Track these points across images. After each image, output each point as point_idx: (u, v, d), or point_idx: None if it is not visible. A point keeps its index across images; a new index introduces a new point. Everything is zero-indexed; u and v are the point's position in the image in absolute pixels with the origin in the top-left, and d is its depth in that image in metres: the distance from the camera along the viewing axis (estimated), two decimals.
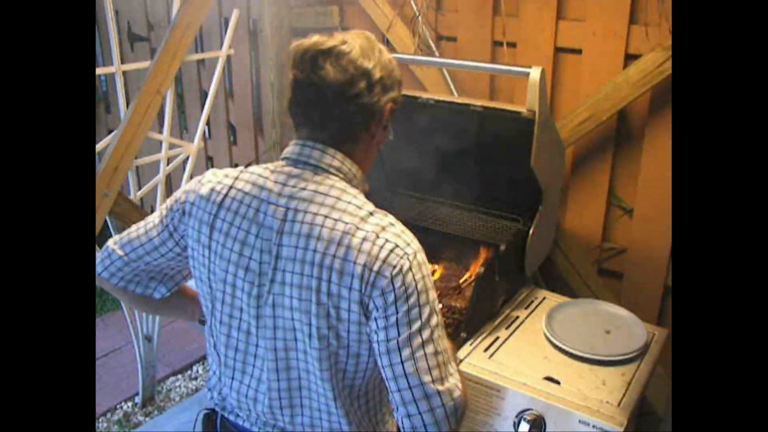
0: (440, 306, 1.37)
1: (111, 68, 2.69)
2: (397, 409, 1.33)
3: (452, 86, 2.64)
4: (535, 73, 1.94)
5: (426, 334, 1.30)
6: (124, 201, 2.73)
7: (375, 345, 1.32)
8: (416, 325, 1.29)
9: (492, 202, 2.28)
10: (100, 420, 3.13)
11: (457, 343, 1.93)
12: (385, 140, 1.47)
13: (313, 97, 1.33)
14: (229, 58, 3.25)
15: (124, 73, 2.71)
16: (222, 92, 3.63)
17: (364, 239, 1.28)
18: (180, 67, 2.77)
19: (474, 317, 2.00)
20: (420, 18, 2.61)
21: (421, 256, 1.33)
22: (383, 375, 1.33)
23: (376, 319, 1.30)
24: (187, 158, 2.99)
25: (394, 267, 1.27)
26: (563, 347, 1.92)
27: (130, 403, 3.25)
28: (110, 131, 3.55)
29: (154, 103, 2.68)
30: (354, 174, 1.40)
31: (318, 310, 1.31)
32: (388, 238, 1.29)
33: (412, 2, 2.63)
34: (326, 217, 1.31)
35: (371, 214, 1.33)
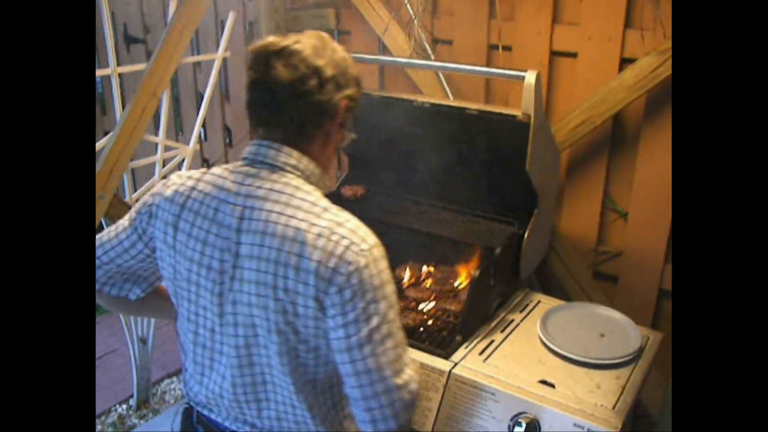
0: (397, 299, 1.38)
1: (107, 70, 2.69)
2: (357, 403, 1.35)
3: (448, 89, 2.65)
4: (530, 77, 1.95)
5: (385, 329, 1.31)
6: (119, 203, 2.72)
7: (334, 342, 1.34)
8: (375, 321, 1.30)
9: (487, 205, 2.28)
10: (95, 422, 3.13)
11: (453, 346, 1.93)
12: (347, 138, 1.50)
13: (266, 97, 1.37)
14: (225, 60, 3.25)
15: (120, 75, 2.71)
16: (218, 95, 3.63)
17: (318, 235, 1.30)
18: (176, 69, 2.77)
19: (469, 320, 2.00)
20: (416, 21, 2.62)
21: (378, 251, 1.34)
22: (342, 371, 1.35)
23: (334, 316, 1.31)
24: (183, 160, 2.98)
25: (351, 264, 1.29)
26: (558, 350, 1.92)
27: (124, 406, 3.24)
28: (106, 133, 3.55)
29: (150, 105, 2.68)
30: (311, 171, 1.42)
31: (275, 305, 1.33)
32: (343, 234, 1.31)
33: (408, 5, 2.63)
34: (280, 214, 1.33)
35: (326, 210, 1.35)
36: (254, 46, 1.38)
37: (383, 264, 1.34)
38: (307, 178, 1.41)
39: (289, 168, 1.39)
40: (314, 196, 1.37)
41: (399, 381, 1.33)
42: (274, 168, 1.39)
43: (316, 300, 1.30)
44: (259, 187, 1.37)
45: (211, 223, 1.38)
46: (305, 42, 1.36)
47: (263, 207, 1.35)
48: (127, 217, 1.55)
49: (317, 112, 1.39)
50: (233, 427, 1.52)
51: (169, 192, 1.45)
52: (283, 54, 1.34)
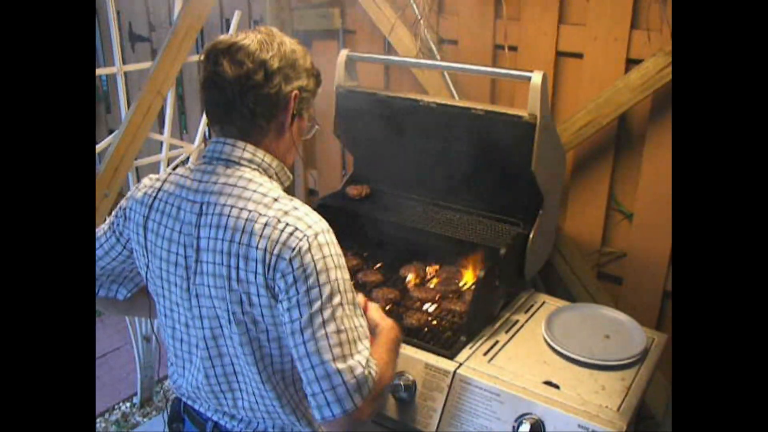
0: (351, 283, 1.39)
1: (112, 69, 2.69)
2: (304, 388, 1.37)
3: (453, 89, 2.65)
4: (536, 77, 1.95)
5: (327, 313, 1.33)
6: None
7: (282, 327, 1.37)
8: (316, 305, 1.32)
9: (492, 205, 2.28)
10: (99, 420, 3.13)
11: (457, 346, 1.93)
12: (307, 128, 1.54)
13: (217, 95, 1.42)
14: None
15: (126, 73, 2.71)
16: None
17: (266, 224, 1.34)
18: (181, 67, 2.77)
19: (473, 321, 2.00)
20: (422, 21, 2.61)
21: (325, 237, 1.36)
22: (292, 356, 1.38)
23: (281, 302, 1.35)
24: (188, 159, 2.99)
25: (293, 249, 1.32)
26: (562, 352, 1.92)
27: (128, 404, 3.25)
28: (111, 131, 3.55)
29: (155, 103, 2.69)
30: (268, 164, 1.46)
31: (232, 296, 1.38)
32: (288, 222, 1.34)
33: (414, 5, 2.63)
34: (233, 207, 1.38)
35: (276, 200, 1.38)
36: (206, 46, 1.44)
37: (329, 250, 1.36)
38: (265, 171, 1.46)
39: (244, 162, 1.44)
40: (266, 187, 1.41)
41: (341, 366, 1.32)
42: (229, 163, 1.44)
43: (266, 288, 1.35)
44: (215, 183, 1.42)
45: (175, 221, 1.45)
46: (252, 37, 1.40)
47: (218, 201, 1.40)
48: (107, 220, 1.62)
49: (267, 105, 1.42)
50: (215, 418, 1.58)
51: (139, 194, 1.53)
52: (230, 51, 1.38)
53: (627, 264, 2.51)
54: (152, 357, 3.17)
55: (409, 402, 1.86)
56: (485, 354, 1.93)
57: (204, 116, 2.95)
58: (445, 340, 1.97)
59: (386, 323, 1.58)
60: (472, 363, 1.88)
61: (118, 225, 1.58)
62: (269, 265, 1.33)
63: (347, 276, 1.39)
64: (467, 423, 1.79)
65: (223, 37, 1.42)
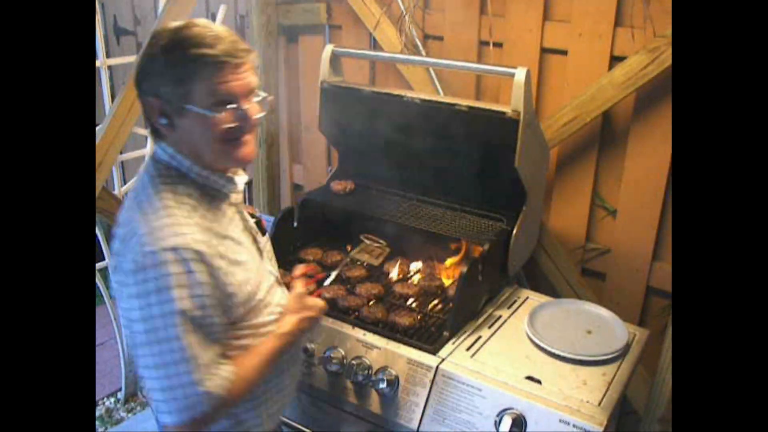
0: (184, 307, 1.33)
1: (96, 62, 2.67)
2: None
3: (438, 85, 2.65)
4: (520, 73, 1.95)
5: (143, 337, 1.33)
6: (108, 196, 2.71)
7: None
8: (138, 326, 1.33)
9: (476, 201, 2.28)
10: None
11: (440, 342, 1.94)
12: (210, 124, 1.39)
13: None
14: None
15: (110, 67, 2.69)
16: None
17: (126, 235, 1.36)
18: None
19: (457, 316, 2.00)
20: (407, 17, 2.61)
21: (165, 257, 1.31)
22: None
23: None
24: None
25: (133, 263, 1.32)
26: (545, 347, 1.93)
27: (112, 399, 3.23)
28: (95, 125, 3.52)
29: None
30: (179, 162, 1.44)
31: (119, 303, 1.42)
32: (141, 234, 1.33)
33: (399, 1, 2.63)
34: (125, 214, 1.42)
35: (149, 211, 1.37)
36: None
37: (166, 269, 1.31)
38: (185, 174, 1.44)
39: (152, 163, 1.45)
40: (146, 193, 1.41)
41: (158, 381, 1.34)
42: (149, 163, 1.47)
43: (126, 299, 1.36)
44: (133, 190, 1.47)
45: None
46: (149, 41, 1.41)
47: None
48: None
49: (148, 108, 1.41)
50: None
51: None
52: None
53: (610, 260, 2.53)
54: None
55: (392, 397, 1.87)
56: (468, 349, 1.94)
57: None
58: (428, 335, 1.98)
59: (283, 325, 1.58)
60: (455, 358, 1.89)
61: None
62: (121, 275, 1.38)
63: (179, 298, 1.38)
64: (449, 418, 1.80)
65: None
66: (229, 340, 1.45)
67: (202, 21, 1.41)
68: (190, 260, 1.33)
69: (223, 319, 1.42)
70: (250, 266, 1.51)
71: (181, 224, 1.35)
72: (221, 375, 1.38)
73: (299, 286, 1.70)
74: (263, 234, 1.71)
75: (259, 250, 1.63)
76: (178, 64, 1.35)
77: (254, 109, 1.44)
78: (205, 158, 1.44)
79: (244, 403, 1.54)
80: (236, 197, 1.57)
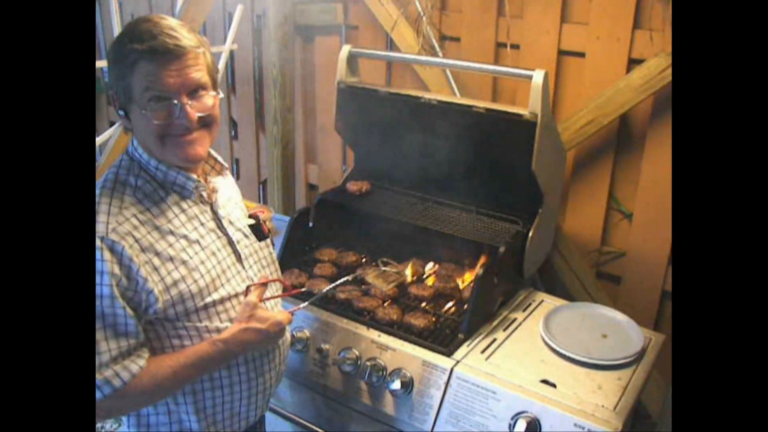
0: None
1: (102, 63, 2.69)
2: None
3: (455, 87, 2.64)
4: (538, 76, 1.95)
5: None
6: None
7: None
8: None
9: (492, 203, 2.28)
10: None
11: (455, 344, 1.93)
12: (154, 119, 1.40)
13: None
14: (232, 53, 3.25)
15: None
16: (224, 87, 3.63)
17: None
18: None
19: (472, 318, 2.00)
20: (424, 18, 2.61)
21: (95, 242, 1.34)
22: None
23: None
24: None
25: None
26: (560, 350, 1.92)
27: None
28: (112, 124, 3.55)
29: None
30: (140, 156, 1.48)
31: None
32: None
33: (417, 2, 2.62)
34: None
35: (98, 202, 1.40)
36: None
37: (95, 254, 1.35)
38: (145, 168, 1.47)
39: (123, 154, 1.51)
40: (100, 185, 1.44)
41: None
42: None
43: None
44: None
45: None
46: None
47: None
48: None
49: (110, 100, 1.46)
50: None
51: None
52: None
53: (626, 263, 2.52)
54: None
55: (406, 398, 1.87)
56: (482, 352, 1.94)
57: None
58: (443, 337, 1.98)
59: (223, 332, 1.52)
60: (470, 360, 1.89)
61: None
62: None
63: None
64: (463, 420, 1.80)
65: None
66: (169, 337, 1.47)
67: (158, 17, 1.42)
68: (102, 249, 1.34)
69: (141, 314, 1.41)
70: (199, 267, 1.48)
71: (106, 212, 1.38)
72: (124, 366, 1.38)
73: (253, 295, 1.55)
74: (261, 239, 1.68)
75: (236, 253, 1.59)
76: (117, 60, 1.39)
77: (195, 106, 1.41)
78: (155, 154, 1.47)
79: (182, 405, 1.55)
80: (215, 196, 1.58)
